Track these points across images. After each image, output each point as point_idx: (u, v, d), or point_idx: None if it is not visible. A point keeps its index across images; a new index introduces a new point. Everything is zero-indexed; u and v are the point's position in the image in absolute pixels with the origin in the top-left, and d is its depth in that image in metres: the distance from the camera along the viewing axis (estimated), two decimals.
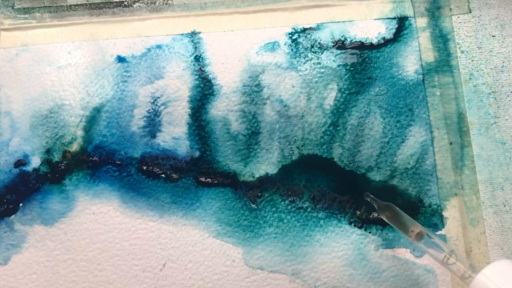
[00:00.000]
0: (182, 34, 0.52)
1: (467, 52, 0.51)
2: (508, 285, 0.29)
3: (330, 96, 0.50)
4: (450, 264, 0.35)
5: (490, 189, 0.48)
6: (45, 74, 0.53)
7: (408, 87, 0.50)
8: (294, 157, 0.50)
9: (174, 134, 0.49)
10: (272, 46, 0.51)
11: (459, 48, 0.51)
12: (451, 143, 0.49)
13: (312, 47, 0.52)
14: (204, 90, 0.50)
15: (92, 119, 0.51)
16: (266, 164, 0.49)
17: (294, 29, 0.52)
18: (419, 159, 0.49)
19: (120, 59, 0.52)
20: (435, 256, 0.36)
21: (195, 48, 0.51)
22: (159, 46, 0.51)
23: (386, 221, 0.43)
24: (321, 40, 0.53)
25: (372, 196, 0.47)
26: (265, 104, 0.50)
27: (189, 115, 0.49)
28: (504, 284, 0.30)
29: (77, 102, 0.52)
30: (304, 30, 0.52)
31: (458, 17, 0.51)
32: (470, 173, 0.49)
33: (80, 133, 0.51)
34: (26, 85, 0.53)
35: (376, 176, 0.49)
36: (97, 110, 0.52)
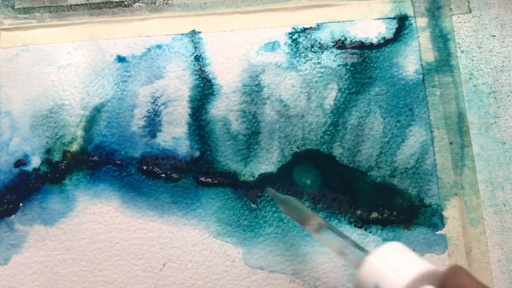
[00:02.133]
0: (182, 34, 0.51)
1: (467, 52, 0.51)
2: (390, 269, 0.29)
3: (330, 96, 0.50)
4: (347, 254, 0.34)
5: (490, 189, 0.48)
6: (45, 74, 0.53)
7: (408, 87, 0.50)
8: (294, 157, 0.50)
9: (174, 134, 0.49)
10: (272, 46, 0.50)
11: (459, 48, 0.51)
12: (451, 143, 0.49)
13: (312, 47, 0.51)
14: (204, 90, 0.50)
15: (92, 119, 0.51)
16: (266, 164, 0.49)
17: (294, 29, 0.52)
18: (419, 159, 0.49)
19: (120, 59, 0.51)
20: (332, 247, 0.36)
21: (195, 48, 0.51)
22: (159, 46, 0.51)
23: (287, 214, 0.44)
24: (321, 40, 0.51)
25: (273, 190, 0.46)
26: (265, 104, 0.50)
27: (189, 115, 0.49)
28: (387, 267, 0.29)
29: (77, 102, 0.52)
30: (304, 30, 0.52)
31: (458, 17, 0.51)
32: (470, 173, 0.48)
33: (80, 133, 0.51)
34: (26, 85, 0.52)
35: (376, 175, 0.49)
36: (97, 110, 0.51)
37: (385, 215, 0.48)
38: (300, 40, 0.51)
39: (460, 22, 0.51)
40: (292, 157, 0.49)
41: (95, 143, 0.49)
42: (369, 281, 0.29)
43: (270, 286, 0.47)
